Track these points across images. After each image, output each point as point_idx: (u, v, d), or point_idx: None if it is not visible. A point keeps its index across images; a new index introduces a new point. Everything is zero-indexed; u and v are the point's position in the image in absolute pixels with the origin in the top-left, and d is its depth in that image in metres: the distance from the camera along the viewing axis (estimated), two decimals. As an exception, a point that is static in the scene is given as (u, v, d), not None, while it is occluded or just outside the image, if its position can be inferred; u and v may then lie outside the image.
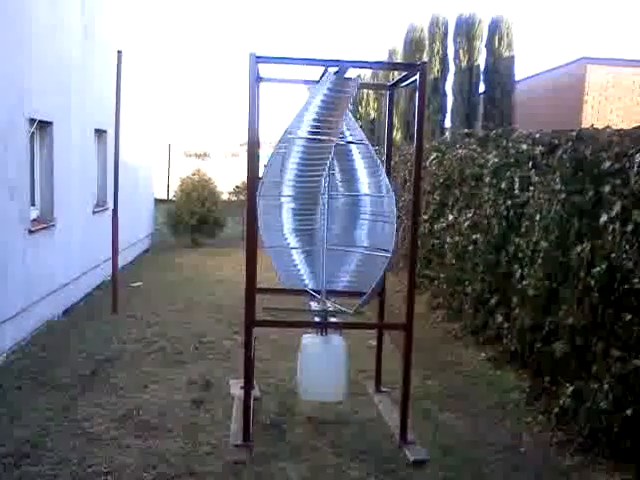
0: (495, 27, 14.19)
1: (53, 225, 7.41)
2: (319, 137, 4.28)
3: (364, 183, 4.65)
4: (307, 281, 4.80)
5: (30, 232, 6.65)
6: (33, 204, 7.16)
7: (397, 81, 5.02)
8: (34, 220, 7.04)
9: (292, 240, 4.67)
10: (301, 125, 4.32)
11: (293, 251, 4.71)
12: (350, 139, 4.60)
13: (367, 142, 4.64)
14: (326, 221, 4.62)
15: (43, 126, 7.25)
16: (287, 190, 4.51)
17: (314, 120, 4.26)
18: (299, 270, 4.72)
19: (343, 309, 4.72)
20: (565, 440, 4.45)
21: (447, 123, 14.94)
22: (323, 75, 4.52)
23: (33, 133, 6.96)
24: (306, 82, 5.24)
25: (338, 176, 4.70)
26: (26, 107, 6.48)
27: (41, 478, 3.81)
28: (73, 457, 4.06)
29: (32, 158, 7.06)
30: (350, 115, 4.72)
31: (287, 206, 4.58)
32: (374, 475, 3.99)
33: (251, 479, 3.90)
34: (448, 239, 8.00)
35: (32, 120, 6.70)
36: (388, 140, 5.33)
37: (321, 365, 4.57)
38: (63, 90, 7.76)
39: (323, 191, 4.58)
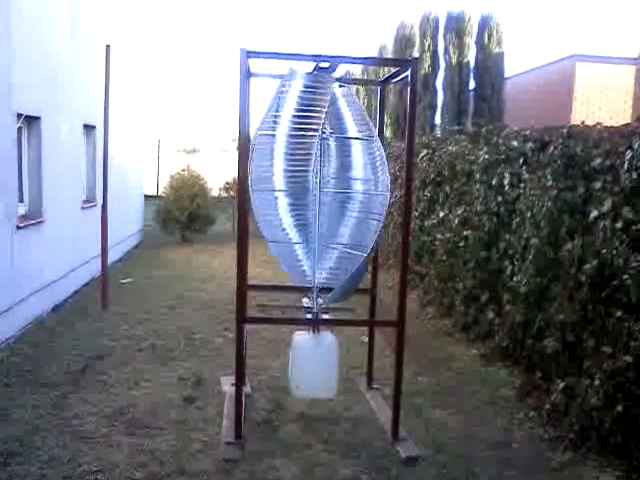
0: (485, 24, 14.22)
1: (41, 221, 7.33)
2: (301, 132, 4.26)
3: (359, 179, 4.60)
4: (310, 277, 4.70)
5: (18, 228, 6.58)
6: (21, 200, 7.09)
7: (388, 77, 5.01)
8: (22, 216, 6.97)
9: (293, 235, 4.57)
10: (279, 120, 4.29)
11: (295, 246, 4.62)
12: (353, 134, 4.54)
13: (374, 137, 4.51)
14: (317, 216, 4.58)
15: (31, 121, 7.18)
16: (279, 184, 4.45)
17: (294, 117, 4.24)
18: (302, 265, 4.62)
19: (335, 306, 4.69)
20: (556, 436, 4.47)
21: (437, 119, 14.95)
22: (313, 70, 4.49)
23: (20, 128, 6.88)
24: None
25: (332, 170, 4.64)
26: (13, 102, 6.41)
27: (30, 477, 3.76)
28: (63, 456, 4.02)
29: (20, 153, 6.99)
30: (362, 108, 4.63)
31: (282, 200, 4.50)
32: (366, 472, 3.98)
33: (243, 477, 3.88)
34: (439, 235, 8.00)
35: (19, 115, 6.63)
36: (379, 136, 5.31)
37: (312, 362, 4.55)
38: (51, 85, 7.68)
39: (314, 187, 4.53)
